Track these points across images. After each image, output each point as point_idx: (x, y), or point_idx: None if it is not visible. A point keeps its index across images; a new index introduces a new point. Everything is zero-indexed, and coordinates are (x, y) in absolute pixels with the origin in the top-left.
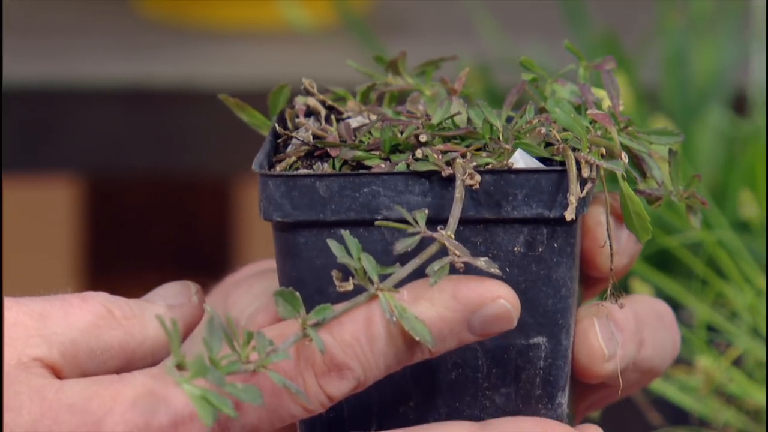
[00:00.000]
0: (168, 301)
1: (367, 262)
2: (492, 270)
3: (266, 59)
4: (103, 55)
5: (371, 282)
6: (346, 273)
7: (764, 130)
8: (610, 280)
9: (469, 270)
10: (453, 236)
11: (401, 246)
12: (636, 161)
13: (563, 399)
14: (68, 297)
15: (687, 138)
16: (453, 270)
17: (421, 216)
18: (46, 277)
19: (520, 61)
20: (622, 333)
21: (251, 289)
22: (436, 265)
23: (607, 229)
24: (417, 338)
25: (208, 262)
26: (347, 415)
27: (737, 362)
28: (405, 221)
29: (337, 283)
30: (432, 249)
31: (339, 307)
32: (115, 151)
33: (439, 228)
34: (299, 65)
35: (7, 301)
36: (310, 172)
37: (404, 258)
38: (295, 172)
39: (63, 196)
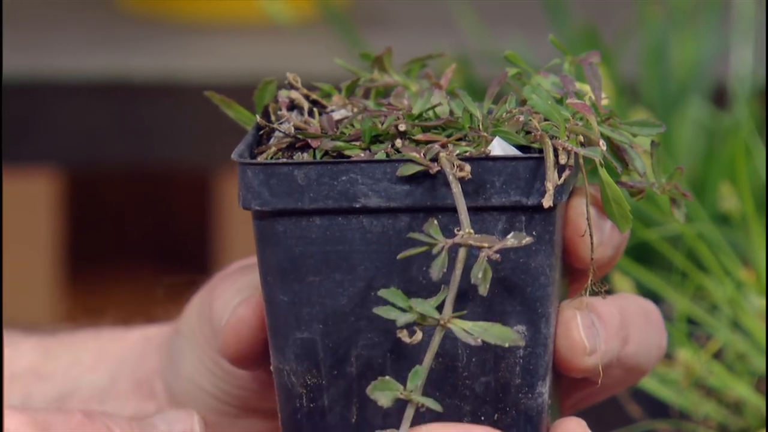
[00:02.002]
0: (171, 427)
1: (420, 305)
2: (524, 242)
3: (246, 52)
4: (82, 49)
5: (436, 320)
6: (407, 328)
7: (744, 123)
8: (591, 271)
9: (513, 251)
10: (472, 232)
11: (436, 270)
12: (618, 152)
13: (543, 389)
14: (72, 413)
15: (667, 131)
16: (491, 263)
17: (435, 230)
18: (27, 270)
19: (504, 56)
20: (605, 328)
21: (235, 283)
22: (478, 272)
23: (588, 219)
24: (506, 344)
25: (188, 255)
26: (327, 405)
27: (717, 355)
28: (384, 209)
29: (407, 340)
30: (462, 255)
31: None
32: (94, 144)
33: (456, 230)
34: (280, 58)
35: (10, 410)
36: (289, 160)
37: (395, 253)
38: (273, 161)
39: (43, 190)
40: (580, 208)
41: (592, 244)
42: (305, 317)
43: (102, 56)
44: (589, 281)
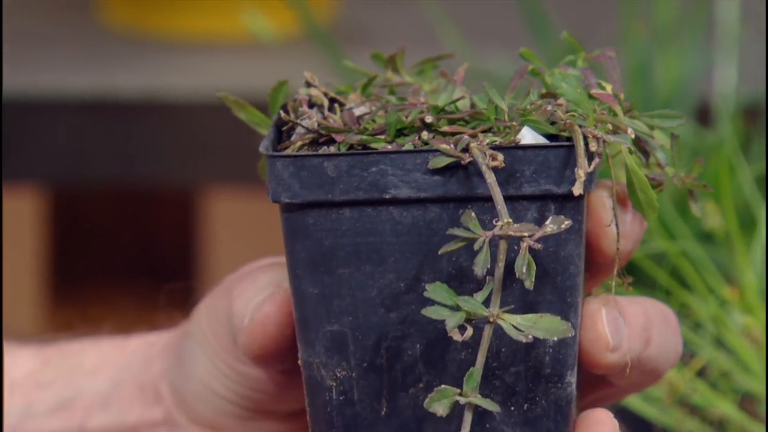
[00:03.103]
0: None
1: (468, 303)
2: (564, 225)
3: (230, 70)
4: (66, 66)
5: (485, 317)
6: (460, 327)
7: (728, 141)
8: (616, 263)
9: (550, 237)
10: (511, 222)
11: (480, 266)
12: (639, 144)
13: (572, 378)
14: None
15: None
16: (532, 252)
17: (474, 224)
18: (11, 287)
19: (519, 53)
20: (629, 327)
21: (255, 282)
22: (522, 266)
23: (614, 209)
24: (555, 337)
25: (171, 272)
26: (357, 398)
27: (701, 373)
28: (414, 200)
29: (458, 338)
30: (503, 247)
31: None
32: (78, 161)
33: (495, 221)
34: (263, 76)
35: None
36: (319, 152)
37: (425, 244)
38: (304, 153)
39: (27, 207)
40: (604, 200)
41: (618, 235)
42: (335, 309)
43: (86, 74)
44: (615, 274)
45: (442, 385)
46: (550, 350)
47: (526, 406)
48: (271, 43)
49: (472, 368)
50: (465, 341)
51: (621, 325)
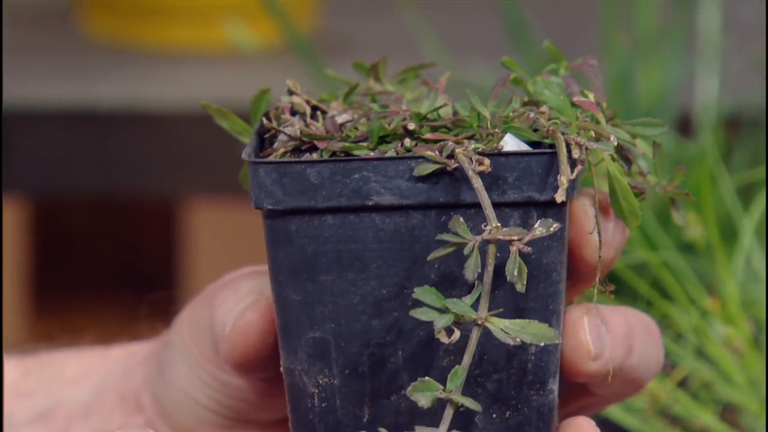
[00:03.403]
0: None
1: (455, 305)
2: (552, 228)
3: (212, 80)
4: (47, 77)
5: (473, 320)
6: (447, 330)
7: (709, 152)
8: (598, 271)
9: (533, 243)
10: (500, 226)
11: (470, 271)
12: (621, 152)
13: (554, 386)
14: None
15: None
16: (526, 255)
17: (463, 229)
18: None
19: (501, 62)
20: (611, 335)
21: (237, 290)
22: (513, 269)
23: (596, 217)
24: (543, 343)
25: (153, 282)
26: (339, 405)
27: (682, 383)
28: (396, 207)
29: (445, 341)
30: (492, 251)
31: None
32: (60, 172)
33: (483, 226)
34: (244, 86)
35: None
36: (301, 159)
37: (408, 250)
38: (286, 159)
39: (9, 218)
40: (586, 208)
41: (600, 243)
42: (318, 316)
43: (68, 84)
44: (597, 282)
45: (426, 377)
46: (533, 357)
47: (508, 413)
48: (253, 54)
49: (457, 366)
50: (448, 348)
51: (603, 333)
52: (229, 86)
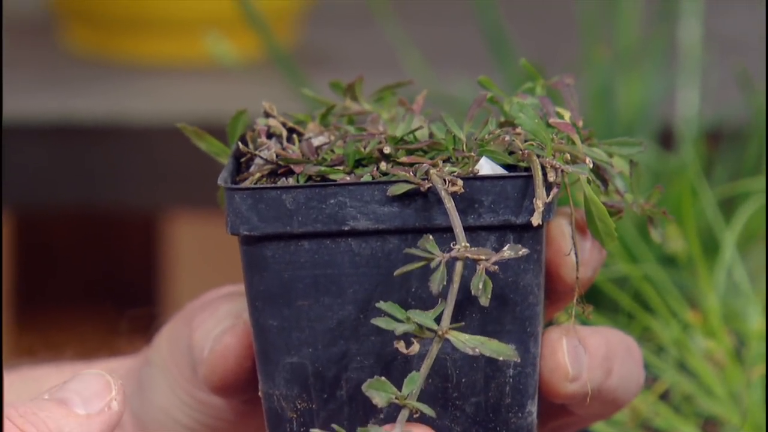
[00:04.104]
0: (86, 406)
1: (419, 317)
2: (520, 252)
3: (192, 94)
4: (28, 90)
5: (433, 332)
6: (404, 338)
7: (690, 165)
8: (576, 291)
9: (500, 264)
10: (468, 245)
11: (436, 284)
12: (598, 172)
13: (533, 408)
14: None
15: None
16: (489, 274)
17: (432, 245)
18: None
19: (478, 81)
20: (590, 357)
21: (216, 312)
22: (478, 283)
23: (573, 238)
24: (502, 358)
25: (134, 296)
26: (319, 429)
27: (664, 396)
28: (373, 231)
29: (404, 351)
30: (459, 268)
31: (421, 372)
32: (41, 186)
33: (452, 245)
34: (225, 100)
35: None
36: (277, 185)
37: (384, 275)
38: (262, 185)
39: None
40: (563, 228)
41: (577, 263)
42: (295, 342)
43: (48, 98)
44: (574, 301)
45: (382, 377)
46: (511, 380)
47: None
48: (233, 67)
49: (414, 372)
50: (428, 375)
51: (581, 355)
52: (209, 99)
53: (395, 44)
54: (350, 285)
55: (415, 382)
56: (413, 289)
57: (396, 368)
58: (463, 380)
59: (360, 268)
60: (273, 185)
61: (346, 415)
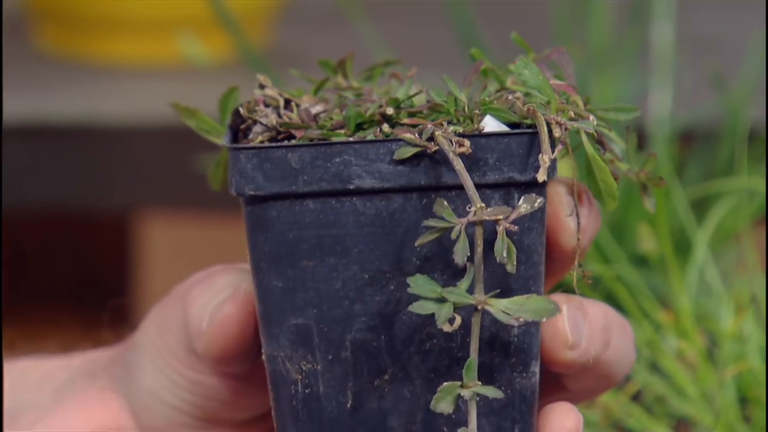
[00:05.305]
0: None
1: (452, 294)
2: (537, 204)
3: (165, 95)
4: None
5: (472, 305)
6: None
7: (663, 166)
8: (577, 255)
9: (518, 220)
10: (484, 206)
11: (460, 255)
12: (596, 137)
13: (536, 368)
14: None
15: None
16: (510, 235)
17: (448, 213)
18: None
19: (470, 53)
20: (590, 327)
21: (213, 284)
22: (502, 250)
23: (575, 201)
24: (543, 318)
25: (108, 297)
26: (323, 391)
27: (636, 397)
28: (378, 190)
29: (448, 329)
30: (479, 232)
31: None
32: (13, 187)
33: (468, 207)
34: (198, 101)
35: None
36: (282, 143)
37: (389, 235)
38: (267, 144)
39: None
40: (561, 195)
41: (579, 225)
42: (300, 303)
43: (21, 98)
44: (576, 266)
45: (445, 383)
46: (515, 339)
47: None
48: (206, 68)
49: (470, 359)
50: (431, 332)
51: (581, 323)
52: (182, 100)
53: (368, 44)
54: (355, 245)
55: (472, 368)
56: (418, 248)
57: (400, 328)
58: (468, 339)
59: (365, 228)
60: (278, 144)
61: (350, 376)
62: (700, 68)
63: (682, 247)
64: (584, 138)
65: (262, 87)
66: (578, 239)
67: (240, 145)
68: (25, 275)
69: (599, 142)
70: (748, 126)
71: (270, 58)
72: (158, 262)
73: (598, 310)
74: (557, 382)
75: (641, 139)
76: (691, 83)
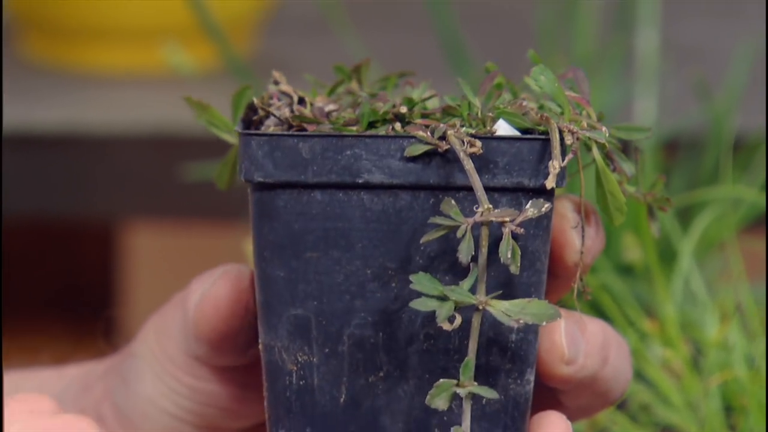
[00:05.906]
0: None
1: (454, 293)
2: (544, 209)
3: (149, 103)
4: None
5: (473, 305)
6: (433, 315)
7: (647, 174)
8: (579, 269)
9: (524, 225)
10: (491, 207)
11: (464, 254)
12: (607, 154)
13: (531, 377)
14: None
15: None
16: (515, 238)
17: (456, 211)
18: None
19: (485, 68)
20: (588, 343)
21: (211, 275)
22: (506, 251)
23: (581, 215)
24: (544, 322)
25: (92, 306)
26: (317, 384)
27: (621, 405)
28: (386, 186)
29: (448, 328)
30: (485, 233)
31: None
32: None
33: (475, 208)
34: (182, 109)
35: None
36: (294, 132)
37: (394, 231)
38: (279, 132)
39: None
40: (567, 211)
41: (583, 237)
42: (301, 294)
43: (5, 107)
44: (576, 282)
45: (441, 380)
46: (512, 345)
47: (484, 400)
48: (190, 76)
49: (467, 358)
50: (428, 332)
51: (579, 339)
52: (167, 108)
53: (352, 53)
54: (360, 240)
55: (469, 367)
56: (422, 247)
57: (399, 327)
58: (466, 342)
59: (370, 223)
60: (290, 133)
61: (345, 371)
62: (685, 76)
63: (667, 256)
64: (595, 150)
65: (276, 83)
66: (581, 253)
67: (252, 131)
68: (7, 283)
69: (609, 158)
70: (732, 134)
71: (254, 66)
72: (143, 271)
73: (596, 327)
74: (554, 398)
75: (626, 147)
76: (675, 91)
